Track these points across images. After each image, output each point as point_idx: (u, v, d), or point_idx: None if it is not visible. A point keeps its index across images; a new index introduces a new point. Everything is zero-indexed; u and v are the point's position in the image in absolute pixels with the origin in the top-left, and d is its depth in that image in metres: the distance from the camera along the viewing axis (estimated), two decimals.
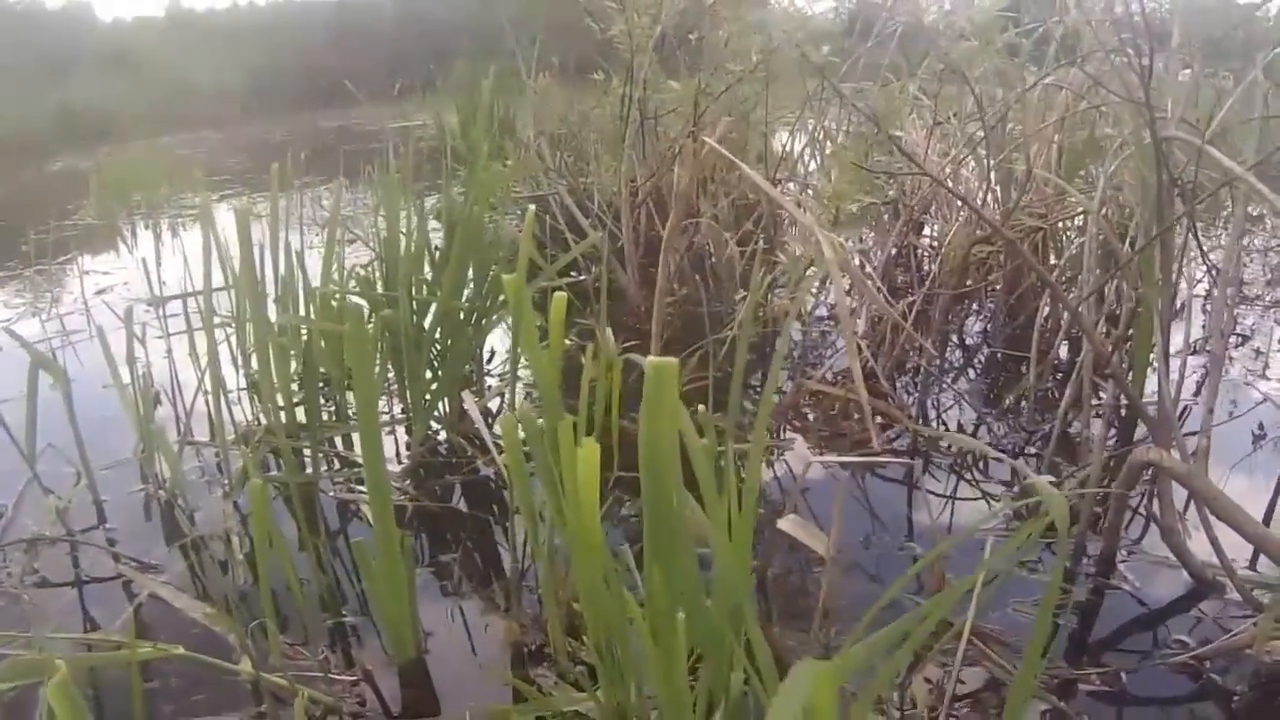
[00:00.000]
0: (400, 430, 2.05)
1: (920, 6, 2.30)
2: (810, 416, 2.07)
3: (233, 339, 2.30)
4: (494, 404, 2.20)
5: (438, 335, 1.97)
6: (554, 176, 3.52)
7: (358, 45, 12.95)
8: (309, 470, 1.84)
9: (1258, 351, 2.38)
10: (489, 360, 2.48)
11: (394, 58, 11.39)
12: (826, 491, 1.73)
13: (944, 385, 2.26)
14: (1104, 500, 1.48)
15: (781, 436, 1.98)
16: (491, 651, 1.32)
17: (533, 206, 1.83)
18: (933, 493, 1.73)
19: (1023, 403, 2.05)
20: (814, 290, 2.49)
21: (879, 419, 1.95)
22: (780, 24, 2.28)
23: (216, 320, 2.02)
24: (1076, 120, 2.40)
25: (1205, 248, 1.88)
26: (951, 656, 1.17)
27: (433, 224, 2.25)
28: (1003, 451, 1.86)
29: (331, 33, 13.70)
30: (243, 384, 2.27)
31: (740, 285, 2.62)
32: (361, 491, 1.77)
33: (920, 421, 2.08)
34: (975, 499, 1.73)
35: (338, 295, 2.00)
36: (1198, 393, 2.07)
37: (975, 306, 2.81)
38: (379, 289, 2.04)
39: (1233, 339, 2.43)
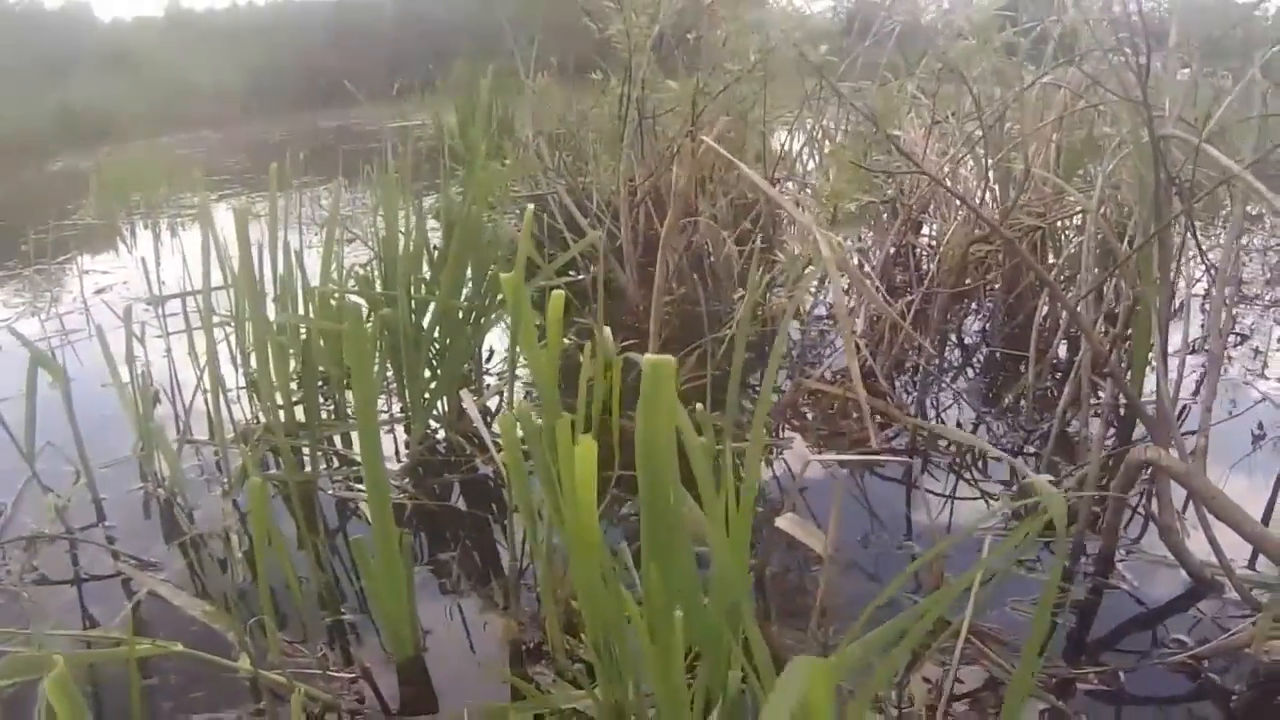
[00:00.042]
0: (399, 429, 2.06)
1: (918, 5, 2.30)
2: (809, 415, 2.07)
3: (232, 338, 2.31)
4: (493, 403, 2.20)
5: (436, 334, 1.97)
6: (552, 176, 3.52)
7: (357, 45, 12.93)
8: (308, 469, 1.84)
9: (1256, 350, 2.38)
10: (488, 359, 2.48)
11: (393, 58, 11.37)
12: (825, 490, 1.73)
13: (942, 384, 2.26)
14: (1102, 499, 1.47)
15: (780, 435, 1.98)
16: (490, 649, 1.32)
17: (531, 206, 1.83)
18: (931, 492, 1.73)
19: (1021, 402, 2.06)
20: (812, 289, 2.48)
21: (877, 418, 1.95)
22: (778, 23, 2.29)
23: (215, 319, 2.02)
24: (1075, 119, 2.40)
25: (1204, 246, 1.88)
26: (950, 655, 1.17)
27: (431, 223, 2.25)
28: (1001, 450, 1.86)
29: (331, 33, 13.67)
30: (242, 383, 2.28)
31: (738, 284, 2.62)
32: (360, 490, 1.78)
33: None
34: (974, 498, 1.73)
35: (336, 294, 2.01)
36: (1196, 392, 2.07)
37: (974, 305, 2.82)
38: (378, 288, 2.04)
39: (1231, 338, 2.43)
